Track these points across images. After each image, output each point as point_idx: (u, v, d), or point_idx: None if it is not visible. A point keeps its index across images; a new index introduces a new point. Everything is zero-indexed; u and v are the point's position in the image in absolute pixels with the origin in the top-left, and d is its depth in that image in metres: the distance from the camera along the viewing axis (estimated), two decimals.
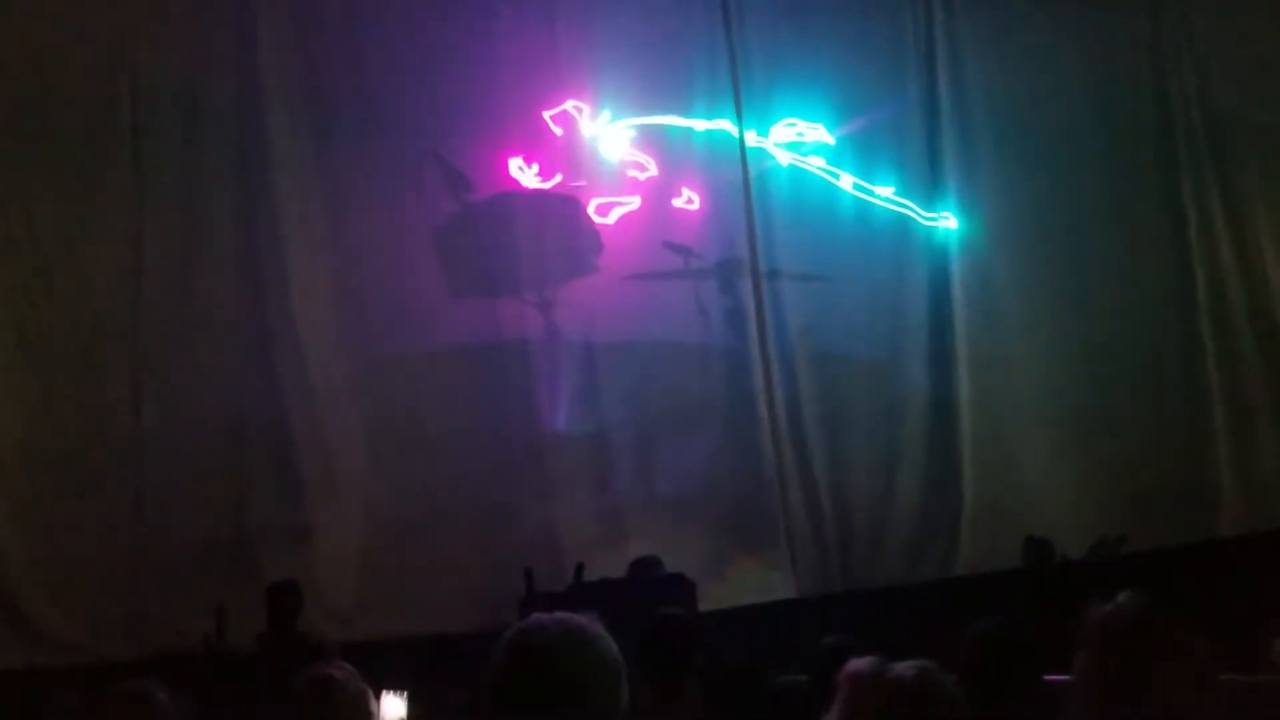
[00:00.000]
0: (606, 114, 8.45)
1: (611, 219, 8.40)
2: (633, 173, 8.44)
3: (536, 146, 8.29)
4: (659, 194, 8.52)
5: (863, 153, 9.01)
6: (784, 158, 8.86)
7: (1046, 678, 3.03)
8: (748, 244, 8.66)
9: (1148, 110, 9.80)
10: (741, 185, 8.68)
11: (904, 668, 2.23)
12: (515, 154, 8.20)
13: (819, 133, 8.90)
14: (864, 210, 8.98)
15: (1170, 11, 9.85)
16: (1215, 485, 9.24)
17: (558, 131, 8.31)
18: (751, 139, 8.74)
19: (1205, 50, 9.85)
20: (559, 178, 8.31)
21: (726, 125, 8.71)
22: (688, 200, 8.56)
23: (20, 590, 6.90)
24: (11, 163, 7.26)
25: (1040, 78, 9.47)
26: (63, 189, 7.33)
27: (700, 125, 8.65)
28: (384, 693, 3.26)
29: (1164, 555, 8.06)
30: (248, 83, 7.68)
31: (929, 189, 9.17)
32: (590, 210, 8.36)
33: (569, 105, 8.33)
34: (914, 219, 9.10)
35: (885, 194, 9.02)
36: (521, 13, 8.38)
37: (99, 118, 7.41)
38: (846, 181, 8.94)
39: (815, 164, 8.89)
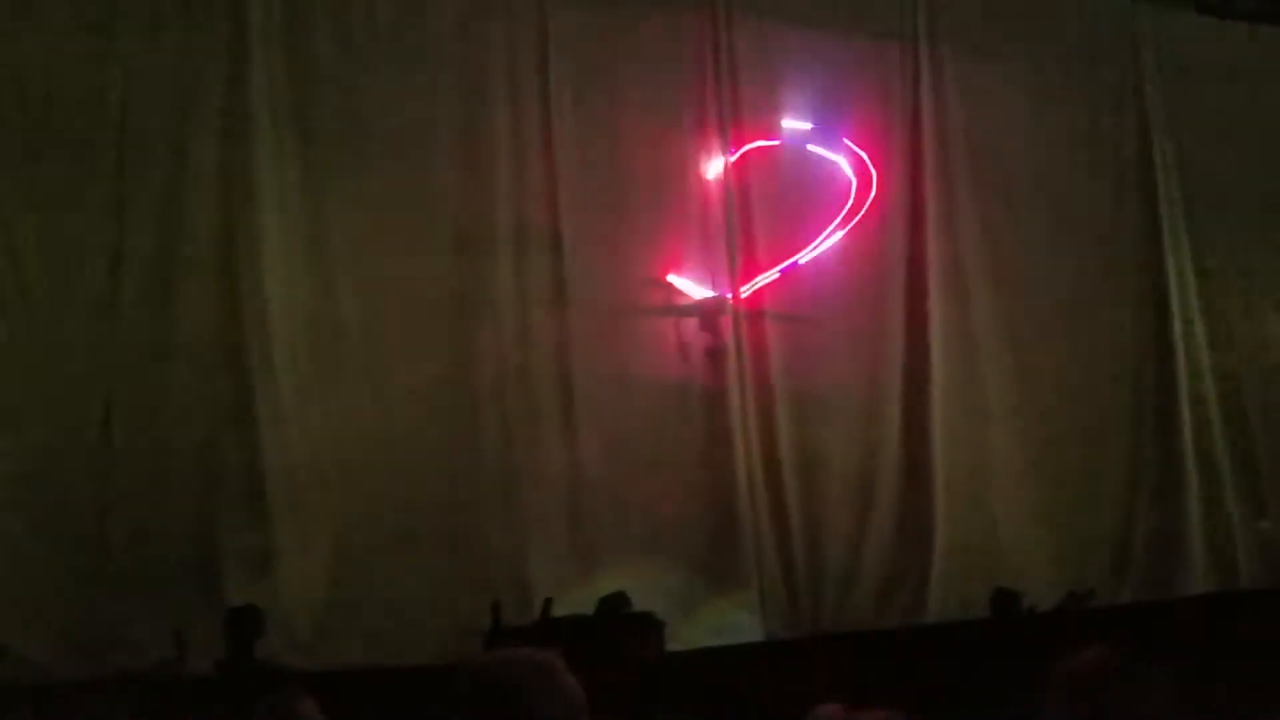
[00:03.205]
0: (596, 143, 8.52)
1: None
2: None
3: (528, 176, 8.34)
4: (643, 228, 8.56)
5: None
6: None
7: None
8: (729, 282, 8.69)
9: (1131, 169, 9.99)
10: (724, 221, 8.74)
11: (871, 717, 2.22)
12: (505, 183, 8.24)
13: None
14: (845, 251, 9.04)
15: (1150, 74, 10.05)
16: (1187, 543, 9.31)
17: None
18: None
19: (1181, 114, 10.06)
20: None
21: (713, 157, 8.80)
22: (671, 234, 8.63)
23: None
24: None
25: (1023, 131, 9.61)
26: (44, 204, 7.27)
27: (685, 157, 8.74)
28: None
29: (1133, 610, 8.09)
30: (236, 105, 7.66)
31: (909, 236, 9.24)
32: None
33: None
34: (893, 261, 9.18)
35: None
36: (514, 45, 8.43)
37: (84, 135, 7.37)
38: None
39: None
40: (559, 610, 7.08)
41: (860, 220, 9.09)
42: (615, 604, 7.12)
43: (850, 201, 9.08)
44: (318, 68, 7.93)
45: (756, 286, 8.80)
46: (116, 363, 7.25)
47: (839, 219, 9.03)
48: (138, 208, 7.43)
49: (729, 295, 8.67)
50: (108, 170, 7.38)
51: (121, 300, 7.33)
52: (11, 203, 7.23)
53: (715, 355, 8.62)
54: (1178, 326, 9.73)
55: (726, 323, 8.64)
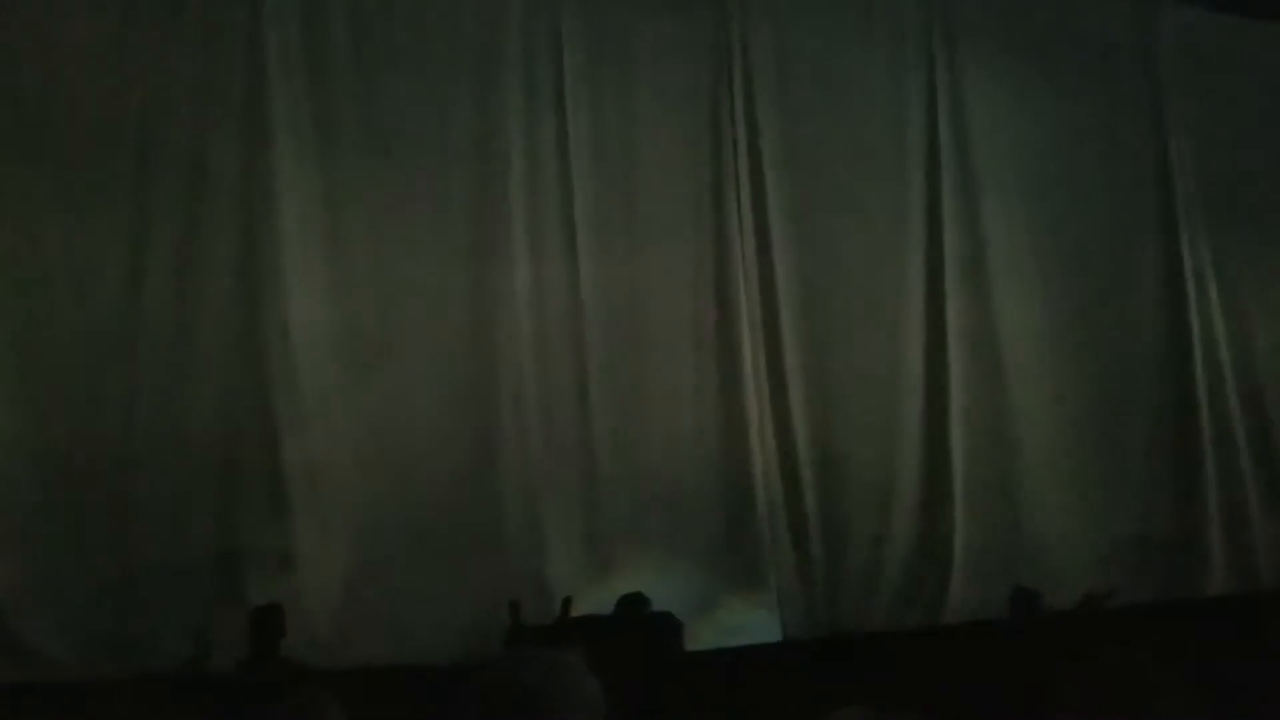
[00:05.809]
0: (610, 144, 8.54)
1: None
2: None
3: (543, 178, 8.36)
4: (657, 228, 8.57)
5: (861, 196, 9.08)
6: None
7: None
8: (744, 278, 8.69)
9: (1148, 168, 9.95)
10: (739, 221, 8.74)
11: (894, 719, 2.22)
12: (520, 185, 8.27)
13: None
14: (863, 249, 9.02)
15: (1169, 75, 10.02)
16: (1205, 544, 9.27)
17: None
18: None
19: (1198, 111, 10.03)
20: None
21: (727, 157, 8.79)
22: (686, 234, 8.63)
23: (4, 605, 6.86)
24: (17, 175, 7.28)
25: (1041, 132, 9.59)
26: (66, 203, 7.34)
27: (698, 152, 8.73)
28: None
29: (1152, 610, 8.05)
30: (255, 105, 7.72)
31: (928, 234, 9.23)
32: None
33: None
34: (912, 259, 9.16)
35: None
36: (529, 49, 8.46)
37: (105, 134, 7.44)
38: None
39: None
40: (578, 610, 7.10)
41: (878, 218, 9.08)
42: (634, 603, 7.14)
43: (867, 202, 9.07)
44: (335, 72, 7.98)
45: (773, 286, 8.79)
46: (137, 364, 7.31)
47: (856, 220, 9.02)
48: (159, 210, 7.49)
49: (745, 294, 8.66)
50: (128, 173, 7.44)
51: (143, 302, 7.38)
52: (35, 205, 7.30)
53: (730, 353, 8.62)
54: (1196, 324, 9.69)
55: (743, 322, 8.64)
